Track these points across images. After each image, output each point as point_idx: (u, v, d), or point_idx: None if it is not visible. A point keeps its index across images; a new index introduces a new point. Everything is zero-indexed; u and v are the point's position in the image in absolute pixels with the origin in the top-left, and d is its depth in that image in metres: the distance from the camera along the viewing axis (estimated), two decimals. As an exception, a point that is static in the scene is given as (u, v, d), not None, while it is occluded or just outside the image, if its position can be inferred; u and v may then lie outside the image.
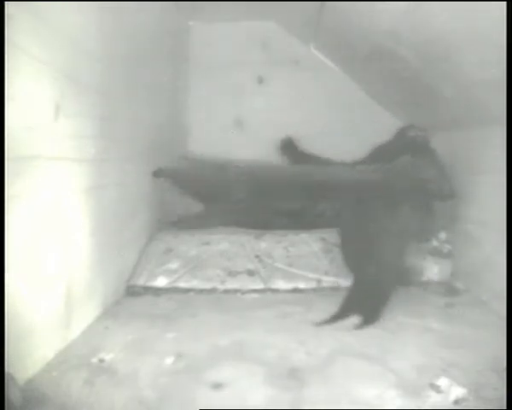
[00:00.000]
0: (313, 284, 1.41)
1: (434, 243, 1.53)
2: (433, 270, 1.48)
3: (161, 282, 1.41)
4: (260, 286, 1.40)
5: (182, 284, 1.41)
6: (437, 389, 0.85)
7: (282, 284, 1.39)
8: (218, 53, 2.16)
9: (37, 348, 0.89)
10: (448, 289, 1.41)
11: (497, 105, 1.12)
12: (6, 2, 0.73)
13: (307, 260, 1.46)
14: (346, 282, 1.36)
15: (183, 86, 2.15)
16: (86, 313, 1.11)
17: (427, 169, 1.50)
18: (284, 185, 1.54)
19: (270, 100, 2.17)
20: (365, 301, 1.20)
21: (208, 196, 1.79)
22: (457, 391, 0.84)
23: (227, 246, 1.53)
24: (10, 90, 0.76)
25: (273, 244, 1.52)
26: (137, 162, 1.46)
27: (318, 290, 1.39)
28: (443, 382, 0.87)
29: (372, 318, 1.12)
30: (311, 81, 2.14)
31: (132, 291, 1.38)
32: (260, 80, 2.21)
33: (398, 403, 0.82)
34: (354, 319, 1.12)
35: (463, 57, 1.16)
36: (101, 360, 0.95)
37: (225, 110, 2.19)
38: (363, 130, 1.99)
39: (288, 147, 2.00)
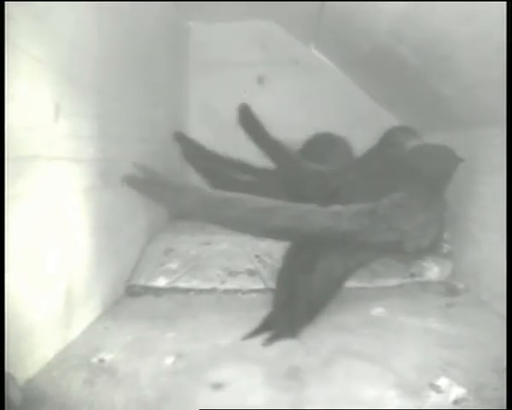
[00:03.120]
0: (313, 284, 1.40)
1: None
2: (433, 270, 1.48)
3: (161, 282, 1.41)
4: (260, 286, 1.40)
5: (182, 284, 1.41)
6: (437, 389, 0.85)
7: (282, 284, 1.39)
8: (218, 53, 2.16)
9: (37, 348, 0.89)
10: (448, 289, 1.41)
11: (497, 105, 1.12)
12: (6, 3, 0.73)
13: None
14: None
15: (183, 86, 2.15)
16: (86, 313, 1.11)
17: (413, 217, 1.32)
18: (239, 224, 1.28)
19: (270, 100, 2.17)
20: (284, 315, 1.13)
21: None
22: (457, 391, 0.84)
23: (227, 246, 1.53)
24: (10, 90, 0.76)
25: (273, 244, 1.52)
26: (137, 162, 1.45)
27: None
28: (443, 382, 0.87)
29: (286, 333, 1.06)
30: (311, 81, 2.15)
31: (132, 291, 1.38)
32: (260, 80, 2.21)
33: (398, 403, 0.82)
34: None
35: (464, 57, 1.16)
36: (101, 360, 0.95)
37: (225, 110, 2.19)
38: (363, 130, 1.99)
39: (182, 139, 1.93)
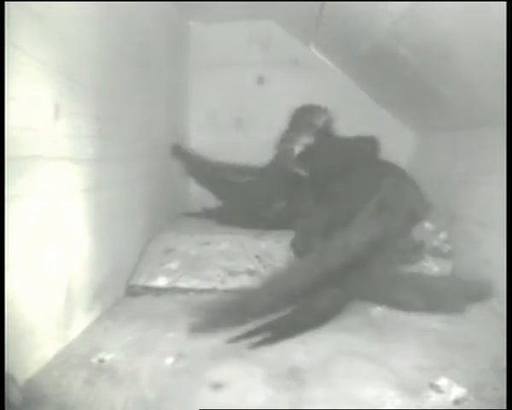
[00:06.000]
0: (313, 284, 1.40)
1: (434, 243, 1.53)
2: (433, 270, 1.48)
3: (161, 282, 1.41)
4: (260, 286, 1.40)
5: (182, 284, 1.41)
6: (437, 389, 0.85)
7: (282, 284, 1.39)
8: (218, 53, 2.16)
9: (37, 348, 0.89)
10: (448, 289, 1.41)
11: (497, 105, 1.12)
12: (6, 3, 0.73)
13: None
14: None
15: (183, 86, 2.15)
16: (86, 313, 1.11)
17: (407, 190, 1.38)
18: None
19: (269, 100, 2.17)
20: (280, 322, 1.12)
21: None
22: (457, 391, 0.84)
23: (227, 246, 1.53)
24: (10, 90, 0.76)
25: (273, 244, 1.52)
26: (137, 162, 1.46)
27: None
28: (443, 382, 0.87)
29: (275, 339, 1.05)
30: (311, 81, 2.15)
31: (132, 291, 1.38)
32: (260, 80, 2.21)
33: (398, 403, 0.82)
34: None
35: (463, 57, 1.16)
36: (101, 360, 0.95)
37: (225, 110, 2.19)
38: (362, 130, 1.99)
39: (179, 153, 1.94)
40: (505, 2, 0.85)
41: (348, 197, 1.46)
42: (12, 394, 0.72)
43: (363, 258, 1.25)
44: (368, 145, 1.67)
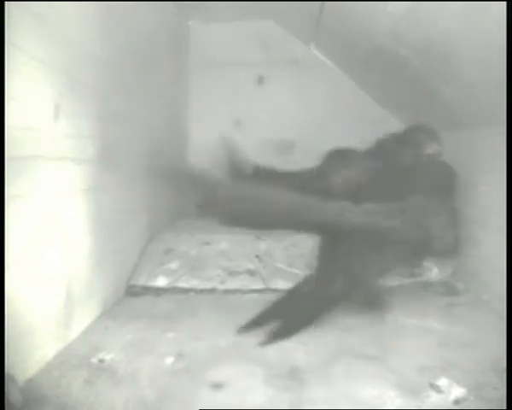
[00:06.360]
0: (313, 284, 1.40)
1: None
2: (433, 270, 1.48)
3: (161, 282, 1.41)
4: (260, 286, 1.40)
5: (182, 284, 1.41)
6: (437, 389, 0.85)
7: (282, 284, 1.39)
8: (218, 53, 2.16)
9: (37, 348, 0.89)
10: (448, 289, 1.41)
11: (497, 105, 1.12)
12: (6, 3, 0.73)
13: (307, 260, 1.46)
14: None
15: (183, 86, 2.15)
16: (86, 313, 1.11)
17: (437, 217, 1.38)
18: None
19: (269, 100, 2.17)
20: (289, 312, 1.13)
21: None
22: (457, 391, 0.84)
23: (227, 246, 1.53)
24: (10, 90, 0.76)
25: (273, 244, 1.52)
26: (137, 162, 1.46)
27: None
28: (443, 382, 0.87)
29: (286, 333, 1.06)
30: (311, 81, 2.15)
31: (132, 291, 1.38)
32: (260, 80, 2.21)
33: (398, 403, 0.82)
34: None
35: (464, 57, 1.16)
36: (101, 360, 0.95)
37: (225, 110, 2.19)
38: (363, 130, 1.99)
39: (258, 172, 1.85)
40: (505, 3, 0.85)
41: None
42: (12, 394, 0.72)
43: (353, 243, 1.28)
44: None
